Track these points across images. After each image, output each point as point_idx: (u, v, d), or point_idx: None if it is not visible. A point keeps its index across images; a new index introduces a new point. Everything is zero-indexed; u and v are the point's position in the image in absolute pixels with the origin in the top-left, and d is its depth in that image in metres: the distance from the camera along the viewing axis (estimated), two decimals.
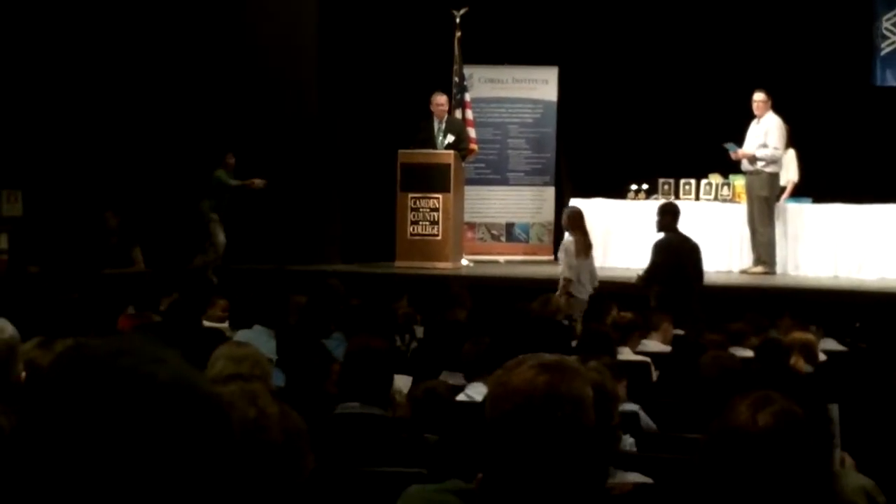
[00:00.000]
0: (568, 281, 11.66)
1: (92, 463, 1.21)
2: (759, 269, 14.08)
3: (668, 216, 12.03)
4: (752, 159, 13.99)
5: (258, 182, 14.90)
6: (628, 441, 5.21)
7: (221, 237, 15.04)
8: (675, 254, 11.70)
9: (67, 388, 1.25)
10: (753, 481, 2.43)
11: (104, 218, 14.26)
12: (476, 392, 5.86)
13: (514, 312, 9.21)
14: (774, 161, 13.98)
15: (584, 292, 11.64)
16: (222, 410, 1.31)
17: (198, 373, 1.32)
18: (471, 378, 6.26)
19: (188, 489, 1.25)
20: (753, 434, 2.43)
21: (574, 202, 15.63)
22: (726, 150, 14.13)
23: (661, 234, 11.96)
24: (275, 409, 2.79)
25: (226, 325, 8.93)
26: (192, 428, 1.26)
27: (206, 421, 1.28)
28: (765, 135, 13.98)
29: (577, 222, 12.20)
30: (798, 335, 8.10)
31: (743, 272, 14.32)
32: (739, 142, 14.13)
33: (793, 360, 7.32)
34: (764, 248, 14.08)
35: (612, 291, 11.78)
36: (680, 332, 9.41)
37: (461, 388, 6.14)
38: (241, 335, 7.37)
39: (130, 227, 14.52)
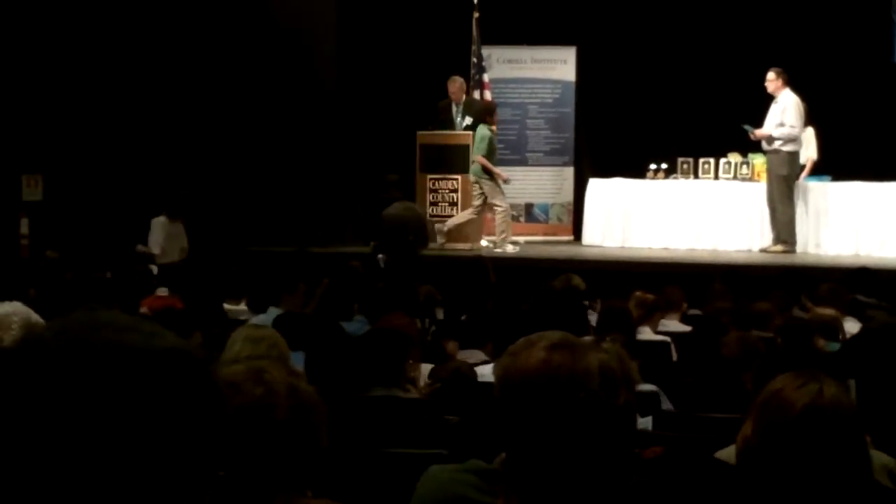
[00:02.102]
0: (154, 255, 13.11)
1: (89, 441, 1.18)
2: (780, 247, 14.02)
3: (392, 188, 13.65)
4: (770, 139, 13.93)
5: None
6: (646, 421, 5.21)
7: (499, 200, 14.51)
8: (400, 222, 12.98)
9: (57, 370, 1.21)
10: (807, 459, 2.44)
11: None
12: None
13: (536, 291, 9.21)
14: (792, 139, 13.90)
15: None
16: (210, 375, 1.28)
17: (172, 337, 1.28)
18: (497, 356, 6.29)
19: (183, 459, 1.22)
20: (819, 409, 2.46)
21: (593, 182, 15.62)
22: (746, 132, 14.06)
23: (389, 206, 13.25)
24: (282, 384, 2.70)
25: (243, 306, 8.92)
26: (179, 395, 1.23)
27: (190, 386, 1.24)
28: (782, 113, 13.89)
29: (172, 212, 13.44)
30: (821, 312, 8.07)
31: (763, 251, 14.28)
32: (761, 120, 14.04)
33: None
34: (784, 227, 14.02)
35: (632, 272, 11.75)
36: (697, 311, 9.39)
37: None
38: (256, 319, 7.36)
39: None
